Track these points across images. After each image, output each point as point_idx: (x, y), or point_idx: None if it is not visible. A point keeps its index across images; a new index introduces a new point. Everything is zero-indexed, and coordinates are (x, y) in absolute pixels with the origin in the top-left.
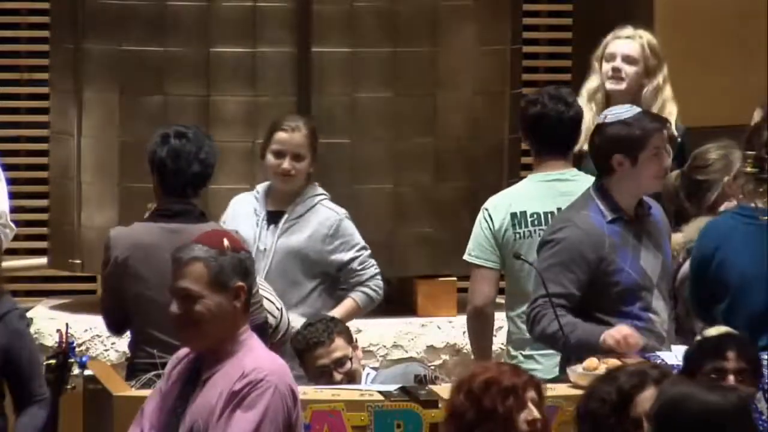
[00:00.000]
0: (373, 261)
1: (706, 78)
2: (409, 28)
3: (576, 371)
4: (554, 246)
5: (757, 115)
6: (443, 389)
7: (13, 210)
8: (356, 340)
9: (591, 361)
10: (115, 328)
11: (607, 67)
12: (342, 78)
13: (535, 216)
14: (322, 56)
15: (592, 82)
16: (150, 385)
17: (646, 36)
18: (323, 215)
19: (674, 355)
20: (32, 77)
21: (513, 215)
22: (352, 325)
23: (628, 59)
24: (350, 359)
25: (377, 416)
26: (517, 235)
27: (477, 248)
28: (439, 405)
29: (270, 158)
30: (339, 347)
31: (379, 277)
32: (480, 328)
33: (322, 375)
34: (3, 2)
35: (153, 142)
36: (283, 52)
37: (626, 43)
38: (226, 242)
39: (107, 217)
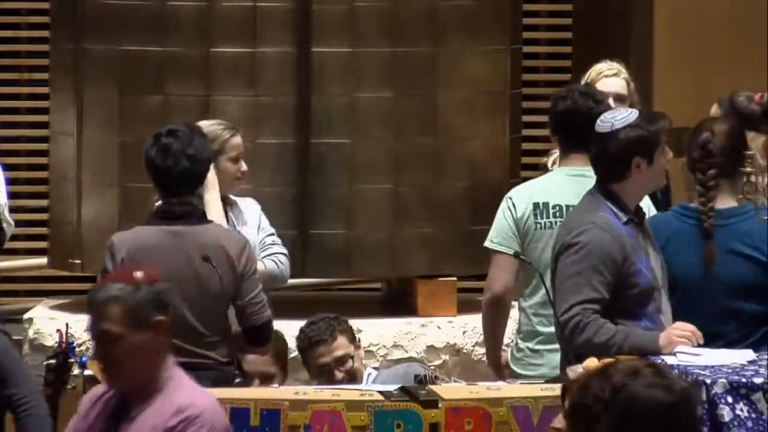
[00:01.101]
0: (280, 243)
1: (706, 78)
2: (409, 28)
3: (576, 371)
4: (580, 249)
5: (713, 111)
6: (443, 389)
7: (13, 210)
8: (359, 340)
9: (591, 361)
10: None
11: None
12: (342, 78)
13: (557, 208)
14: (322, 56)
15: None
16: None
17: (623, 70)
18: (247, 204)
19: (674, 355)
20: (32, 77)
21: (535, 205)
22: (352, 325)
23: (619, 98)
24: (352, 358)
25: (377, 416)
26: (538, 225)
27: (499, 235)
28: (439, 405)
29: (228, 165)
30: (341, 346)
31: (285, 256)
32: (497, 316)
33: (323, 373)
34: (3, 2)
35: (147, 142)
36: (283, 52)
37: (615, 81)
38: (139, 276)
39: (107, 217)
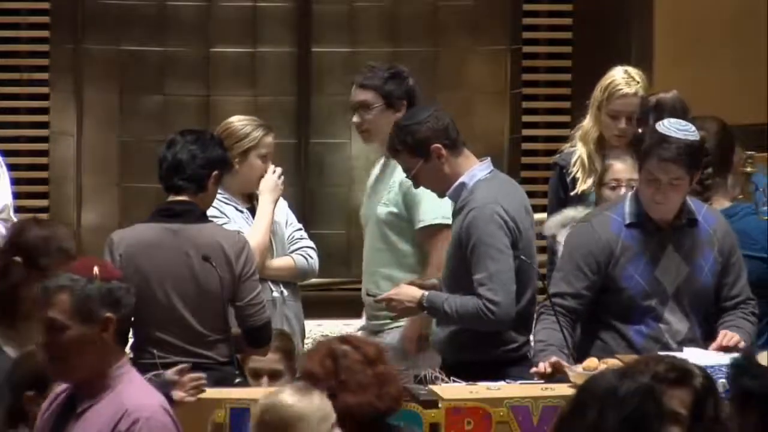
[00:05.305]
0: (307, 237)
1: (706, 78)
2: (409, 28)
3: (576, 371)
4: (567, 246)
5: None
6: (443, 389)
7: (14, 210)
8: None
9: (591, 361)
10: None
11: (611, 124)
12: (342, 78)
13: None
14: (322, 56)
15: (588, 125)
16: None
17: (639, 77)
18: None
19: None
20: (32, 77)
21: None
22: (353, 324)
23: (631, 117)
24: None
25: None
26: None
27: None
28: (439, 405)
29: (258, 162)
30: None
31: (313, 249)
32: None
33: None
34: (3, 2)
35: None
36: (283, 52)
37: (629, 102)
38: (96, 270)
39: (107, 217)
